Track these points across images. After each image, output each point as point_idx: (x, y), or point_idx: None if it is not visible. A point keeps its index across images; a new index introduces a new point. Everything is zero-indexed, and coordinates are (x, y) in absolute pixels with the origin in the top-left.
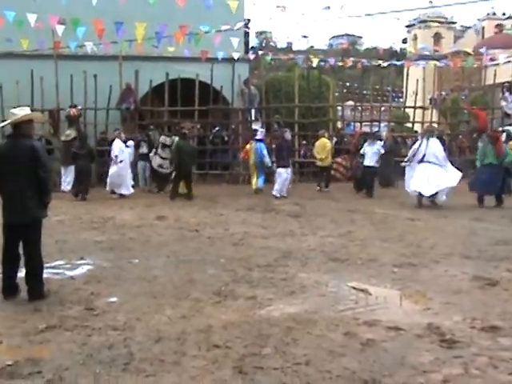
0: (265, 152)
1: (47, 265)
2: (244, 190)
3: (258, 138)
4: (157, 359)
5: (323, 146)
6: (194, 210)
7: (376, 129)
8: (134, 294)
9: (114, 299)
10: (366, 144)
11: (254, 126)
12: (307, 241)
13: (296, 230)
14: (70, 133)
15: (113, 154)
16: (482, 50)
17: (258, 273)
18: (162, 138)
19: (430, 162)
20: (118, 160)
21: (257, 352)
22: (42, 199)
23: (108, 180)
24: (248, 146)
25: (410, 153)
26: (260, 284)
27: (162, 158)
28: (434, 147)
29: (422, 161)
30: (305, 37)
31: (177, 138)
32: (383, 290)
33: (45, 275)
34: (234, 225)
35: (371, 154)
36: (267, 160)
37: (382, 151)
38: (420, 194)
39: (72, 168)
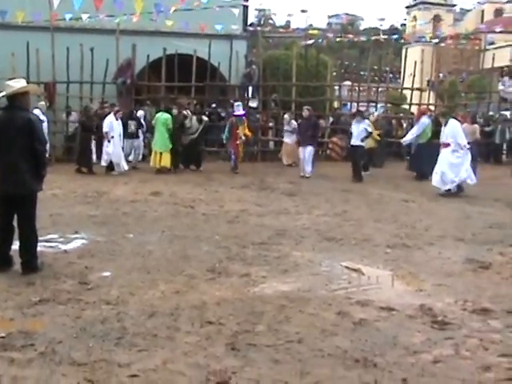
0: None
1: (41, 238)
2: (240, 168)
3: (236, 113)
4: (150, 334)
5: None
6: (189, 186)
7: (372, 109)
8: (127, 268)
9: (107, 274)
10: (353, 122)
11: (251, 104)
12: (302, 219)
13: (291, 209)
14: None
15: (104, 130)
16: (482, 29)
17: (252, 250)
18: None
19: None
20: (110, 136)
21: (250, 329)
22: (38, 172)
23: (104, 157)
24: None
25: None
26: (254, 262)
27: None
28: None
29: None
30: (304, 11)
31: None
32: (376, 270)
33: (39, 248)
34: (229, 202)
35: (357, 132)
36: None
37: (370, 130)
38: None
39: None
